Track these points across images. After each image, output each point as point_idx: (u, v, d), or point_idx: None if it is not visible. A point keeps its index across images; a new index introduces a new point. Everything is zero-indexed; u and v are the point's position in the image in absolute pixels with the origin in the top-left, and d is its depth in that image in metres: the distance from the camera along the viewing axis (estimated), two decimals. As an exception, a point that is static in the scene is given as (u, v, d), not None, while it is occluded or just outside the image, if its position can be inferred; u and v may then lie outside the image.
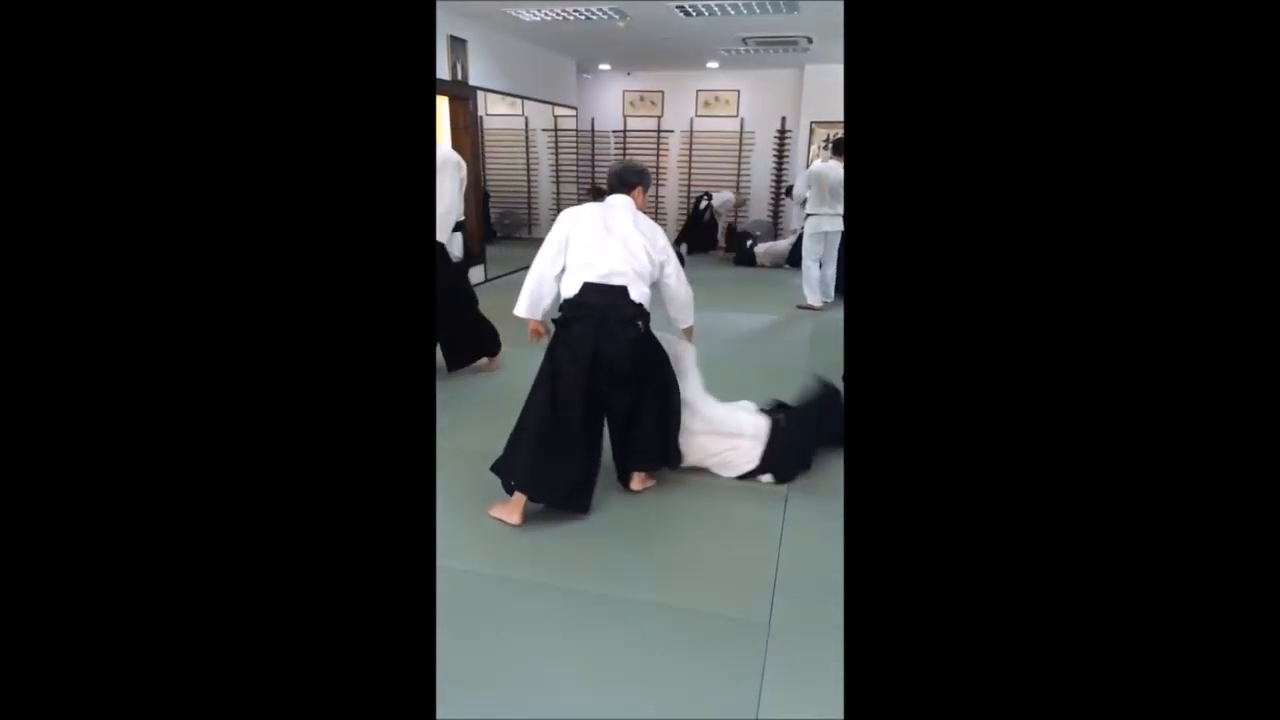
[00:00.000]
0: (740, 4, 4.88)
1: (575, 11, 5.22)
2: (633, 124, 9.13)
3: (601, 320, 2.36)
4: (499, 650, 1.73)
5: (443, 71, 5.41)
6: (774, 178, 8.77)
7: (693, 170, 9.08)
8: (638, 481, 2.62)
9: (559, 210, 9.08)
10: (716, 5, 4.93)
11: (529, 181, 9.19)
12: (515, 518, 2.39)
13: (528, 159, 9.07)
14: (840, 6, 4.88)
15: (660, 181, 9.04)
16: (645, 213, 2.53)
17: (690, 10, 5.07)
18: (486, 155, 6.97)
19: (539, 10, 5.25)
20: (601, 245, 2.38)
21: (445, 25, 5.38)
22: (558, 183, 9.03)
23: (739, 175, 8.90)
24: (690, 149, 9.02)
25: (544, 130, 8.95)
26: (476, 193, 6.41)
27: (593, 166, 9.22)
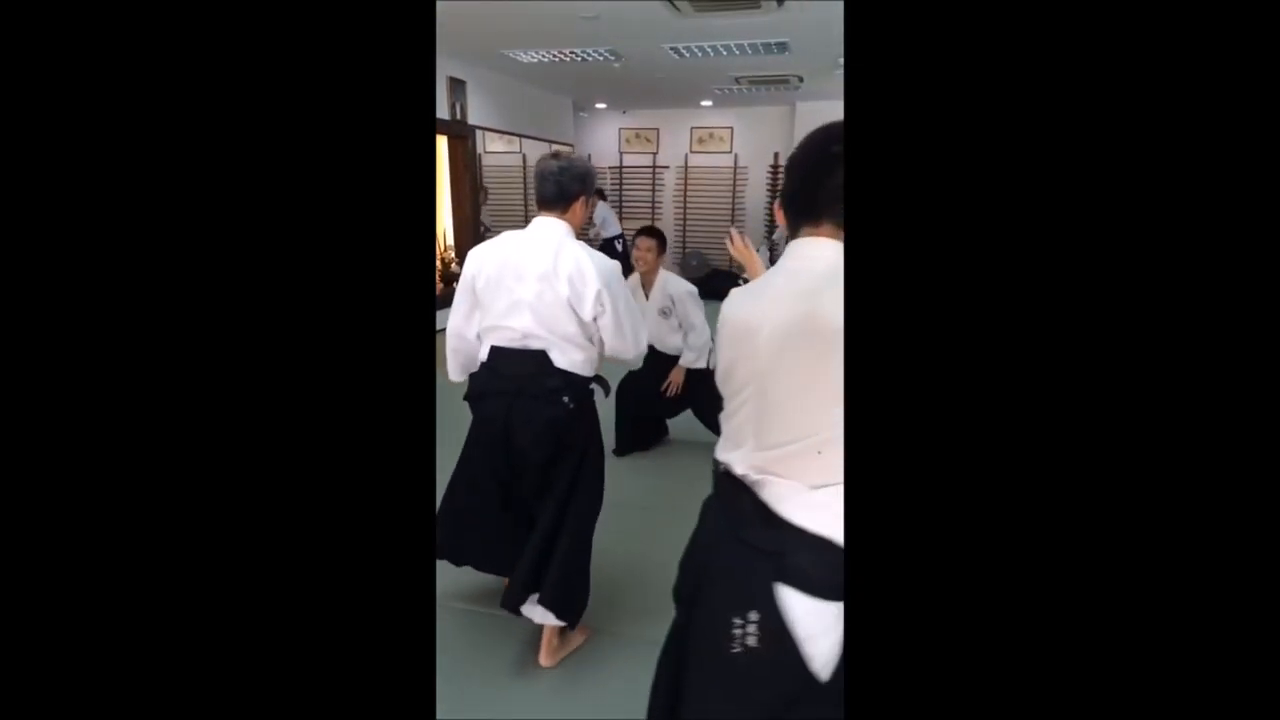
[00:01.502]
0: (732, 45, 5.02)
1: (571, 53, 5.36)
2: (629, 160, 9.30)
3: (515, 394, 1.75)
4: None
5: (442, 111, 5.53)
6: (767, 212, 8.90)
7: (688, 206, 9.22)
8: (546, 653, 1.93)
9: (556, 245, 9.26)
10: (709, 46, 5.06)
11: (526, 217, 9.33)
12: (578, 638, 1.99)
13: (525, 195, 9.22)
14: (830, 48, 5.02)
15: (656, 217, 9.17)
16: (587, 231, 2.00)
17: (683, 51, 5.21)
18: (487, 191, 7.09)
19: (536, 52, 5.39)
20: (509, 298, 1.70)
21: (445, 67, 5.51)
22: (555, 218, 9.16)
23: (734, 210, 9.03)
24: (685, 185, 9.17)
25: (541, 167, 9.11)
26: (475, 228, 6.49)
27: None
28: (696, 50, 5.19)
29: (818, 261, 1.04)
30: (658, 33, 4.60)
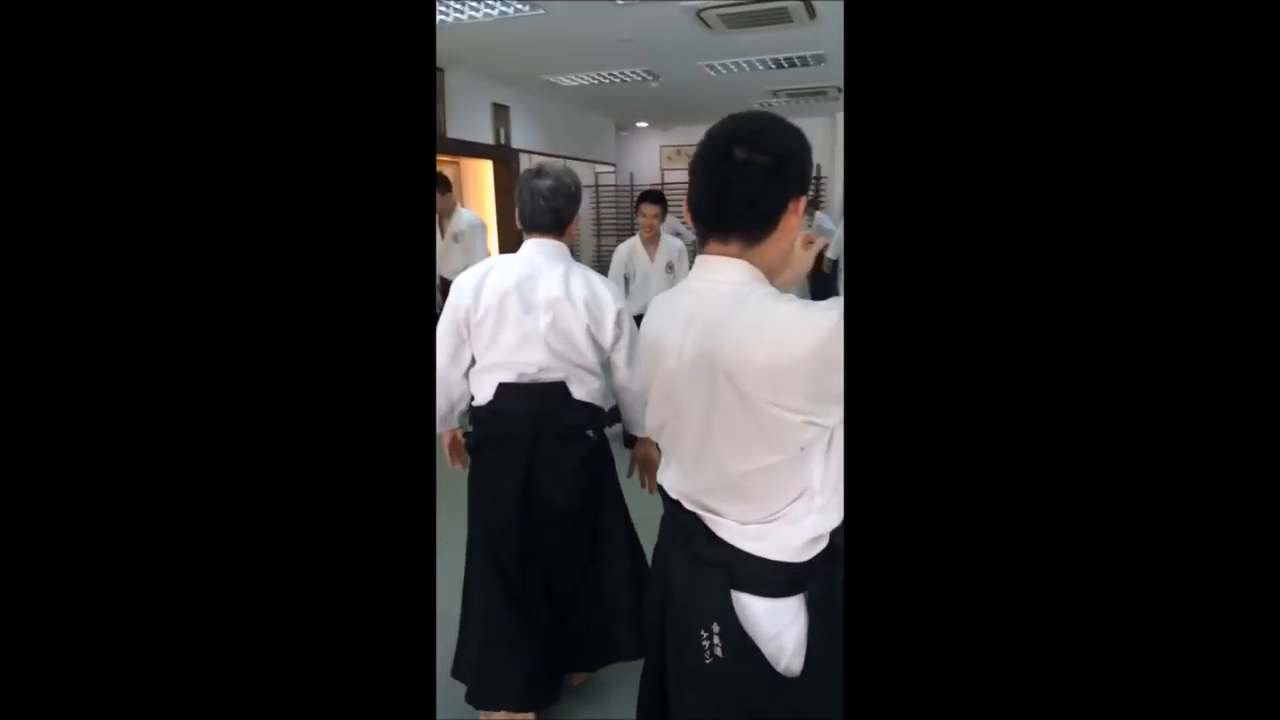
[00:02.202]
0: (768, 59, 5.07)
1: (610, 75, 5.50)
2: (669, 177, 9.41)
3: (534, 439, 1.57)
4: None
5: (487, 137, 5.72)
6: (809, 225, 8.86)
7: (730, 219, 9.25)
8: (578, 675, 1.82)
9: (599, 263, 9.44)
10: (744, 62, 5.13)
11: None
12: None
13: (570, 215, 9.42)
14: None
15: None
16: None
17: (718, 68, 5.29)
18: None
19: (576, 76, 5.54)
20: (519, 331, 1.55)
21: (489, 93, 5.71)
22: (598, 236, 9.34)
23: (776, 223, 9.02)
24: (727, 199, 9.21)
25: (585, 187, 9.31)
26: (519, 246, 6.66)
27: (632, 220, 9.48)
28: (732, 66, 5.26)
29: (721, 286, 0.92)
30: (692, 51, 4.69)
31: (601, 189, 9.21)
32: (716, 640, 0.95)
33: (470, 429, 1.66)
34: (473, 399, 1.66)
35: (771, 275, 0.96)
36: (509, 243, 6.50)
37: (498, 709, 1.67)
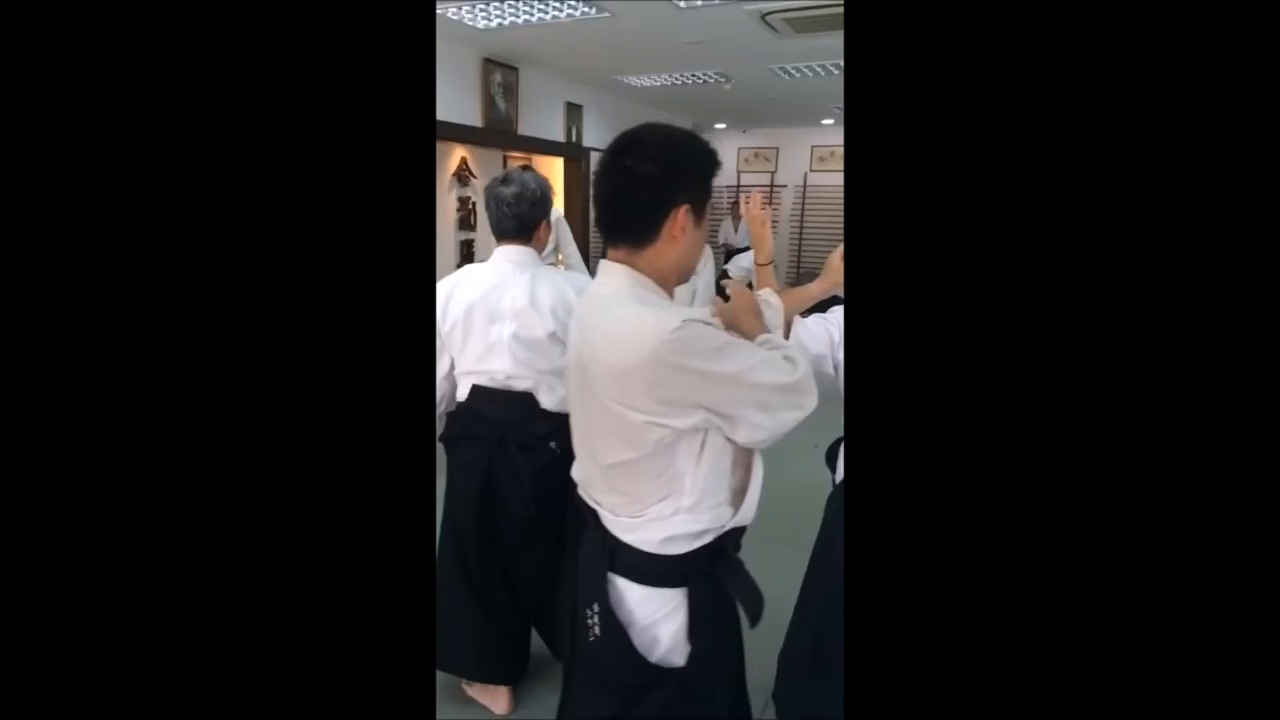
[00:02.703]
0: (839, 64, 4.95)
1: (682, 76, 5.50)
2: (746, 180, 9.31)
3: (498, 443, 1.64)
4: None
5: (558, 134, 5.84)
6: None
7: (804, 226, 9.09)
8: None
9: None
10: (818, 66, 5.03)
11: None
12: (500, 705, 1.82)
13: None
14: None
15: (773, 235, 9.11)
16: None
17: (790, 72, 5.20)
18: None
19: (648, 77, 5.58)
20: (483, 342, 1.61)
21: (562, 92, 5.83)
22: (671, 236, 9.39)
23: (853, 230, 8.80)
24: (803, 205, 9.05)
25: (660, 186, 9.36)
26: (585, 241, 6.77)
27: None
28: (806, 70, 5.16)
29: (602, 289, 0.97)
30: (762, 55, 4.63)
31: (676, 189, 9.24)
32: (596, 619, 1.00)
33: (440, 435, 1.73)
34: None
35: (663, 281, 1.00)
36: (578, 236, 6.61)
37: (451, 672, 1.80)
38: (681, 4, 3.47)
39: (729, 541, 1.01)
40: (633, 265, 0.98)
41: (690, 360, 0.86)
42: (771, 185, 9.14)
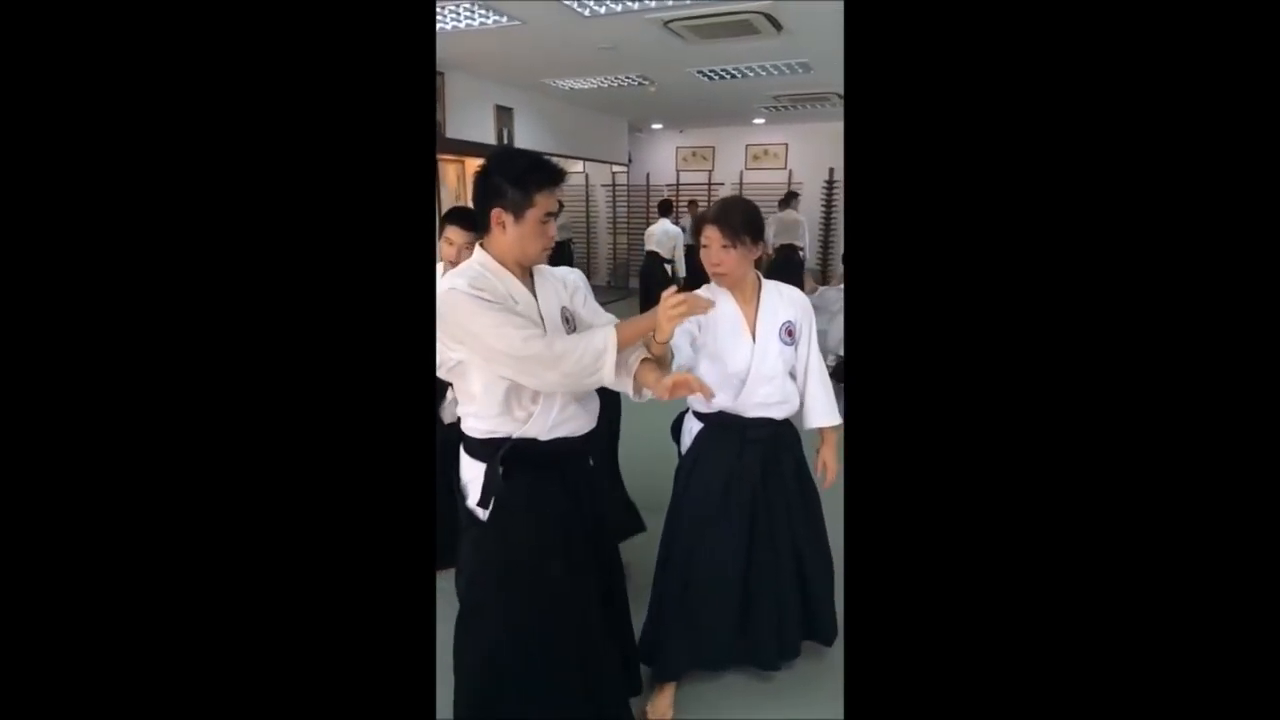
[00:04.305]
0: (756, 67, 5.18)
1: (605, 80, 5.68)
2: (685, 178, 9.54)
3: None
4: None
5: (489, 137, 5.97)
6: (821, 228, 8.90)
7: (743, 221, 9.35)
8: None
9: (615, 261, 9.63)
10: (734, 69, 5.25)
11: (588, 234, 9.80)
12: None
13: (587, 213, 9.67)
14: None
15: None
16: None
17: (709, 74, 5.42)
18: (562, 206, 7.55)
19: (573, 80, 5.74)
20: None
21: (492, 95, 5.96)
22: (614, 234, 9.57)
23: (788, 225, 9.09)
24: (740, 201, 9.31)
25: (603, 186, 9.54)
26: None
27: (646, 220, 9.67)
28: (723, 73, 5.38)
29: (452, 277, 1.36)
30: (677, 58, 4.83)
31: (618, 188, 9.41)
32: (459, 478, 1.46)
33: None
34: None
35: (504, 262, 1.37)
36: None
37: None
38: (585, 13, 3.64)
39: (530, 446, 1.38)
40: (483, 248, 1.39)
41: (448, 314, 1.27)
42: (710, 183, 9.38)
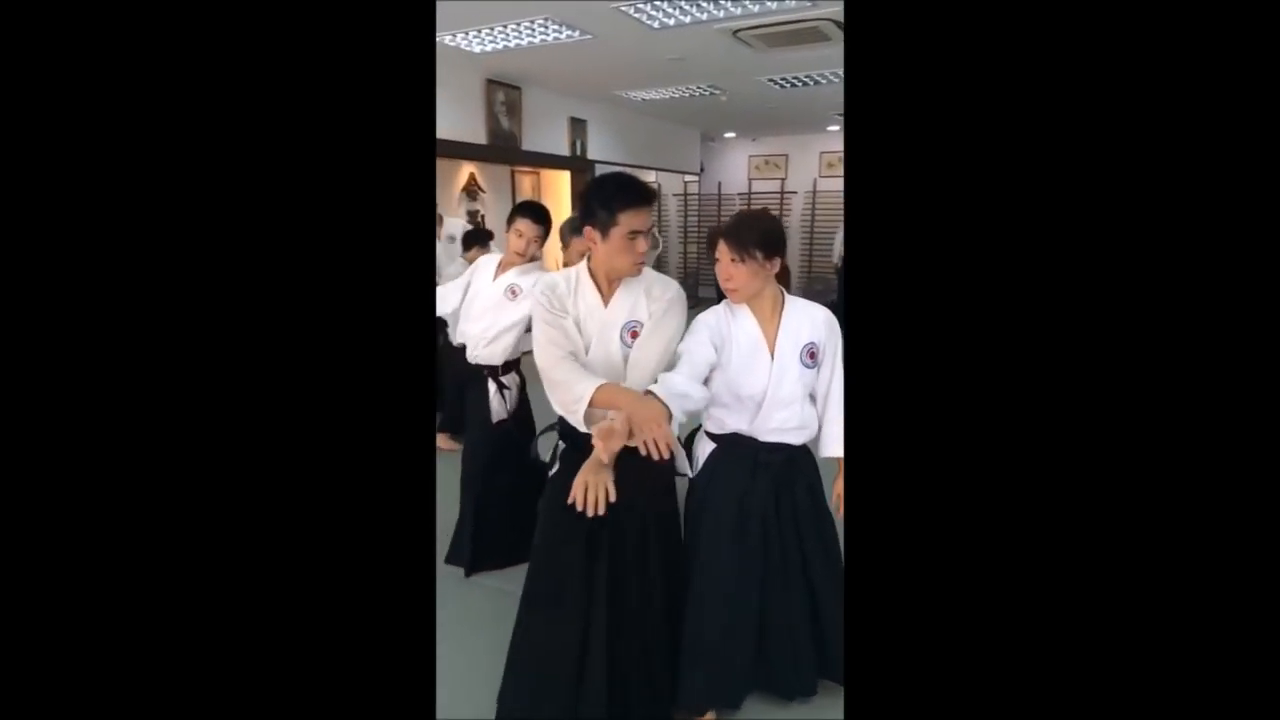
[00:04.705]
0: (829, 74, 5.13)
1: (676, 90, 5.74)
2: (757, 186, 9.50)
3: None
4: None
5: (563, 149, 6.13)
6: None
7: (814, 231, 9.22)
8: None
9: (686, 270, 9.67)
10: (806, 76, 5.21)
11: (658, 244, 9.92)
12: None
13: (659, 223, 9.76)
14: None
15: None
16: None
17: (781, 82, 5.40)
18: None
19: (645, 92, 5.83)
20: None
21: (567, 108, 6.12)
22: (685, 244, 9.61)
23: (863, 233, 8.91)
24: (813, 210, 9.19)
25: (674, 195, 9.60)
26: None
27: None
28: (795, 80, 5.35)
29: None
30: (748, 67, 4.84)
31: (690, 197, 9.45)
32: None
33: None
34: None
35: (596, 273, 1.59)
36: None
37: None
38: (654, 25, 3.71)
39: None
40: (588, 260, 1.58)
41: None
42: (782, 191, 9.31)
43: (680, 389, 1.37)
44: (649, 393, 1.33)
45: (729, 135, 9.12)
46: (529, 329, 1.98)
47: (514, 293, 2.32)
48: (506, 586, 2.34)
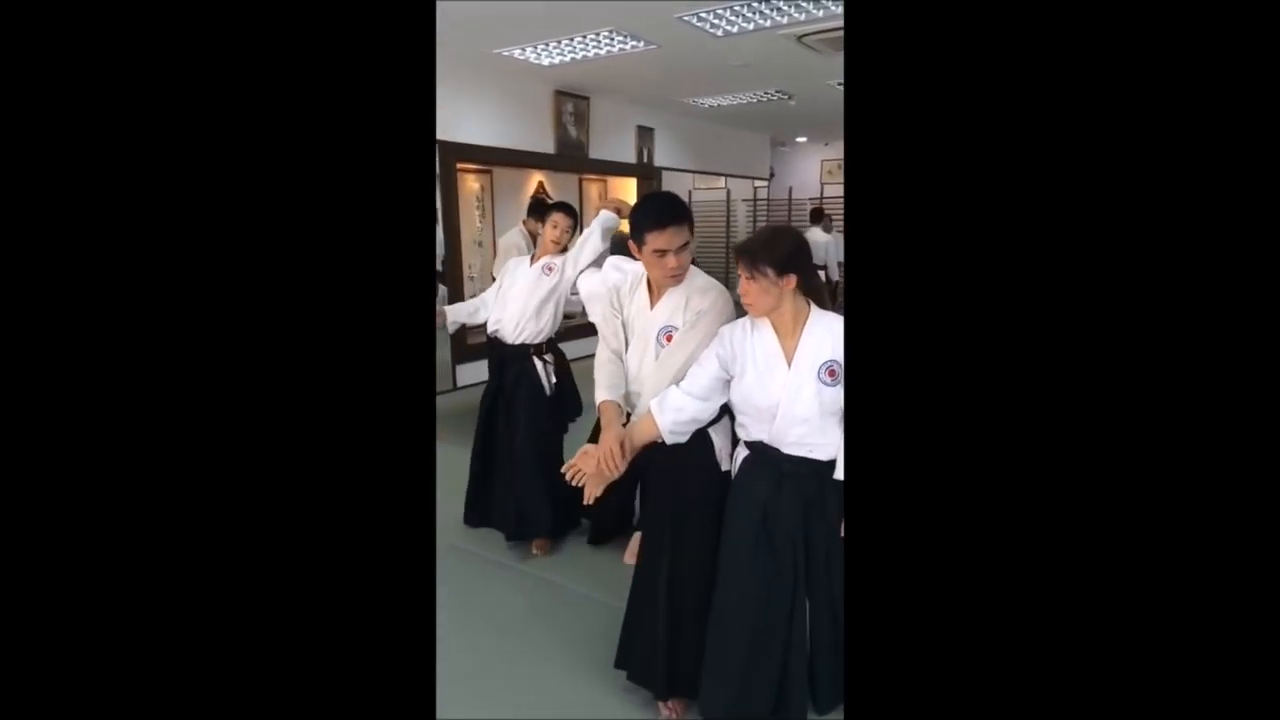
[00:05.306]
0: (900, 76, 5.00)
1: (745, 96, 5.71)
2: (830, 190, 9.32)
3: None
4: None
5: (630, 156, 6.20)
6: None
7: (890, 234, 8.98)
8: None
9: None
10: (876, 79, 5.09)
11: (727, 250, 9.84)
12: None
13: (728, 228, 9.70)
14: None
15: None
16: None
17: (851, 86, 5.29)
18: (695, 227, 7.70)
19: (713, 99, 5.83)
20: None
21: (634, 117, 6.18)
22: (754, 249, 9.54)
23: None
24: (888, 214, 8.95)
25: (744, 201, 9.54)
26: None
27: (788, 233, 9.57)
28: (865, 83, 5.23)
29: None
30: (816, 71, 4.77)
31: (760, 203, 9.37)
32: None
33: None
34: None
35: (649, 278, 1.83)
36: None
37: None
38: (718, 33, 3.71)
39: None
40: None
41: None
42: (855, 196, 9.11)
43: (674, 404, 1.63)
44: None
45: (800, 140, 8.99)
46: (574, 292, 2.53)
47: (549, 269, 2.66)
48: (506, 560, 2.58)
